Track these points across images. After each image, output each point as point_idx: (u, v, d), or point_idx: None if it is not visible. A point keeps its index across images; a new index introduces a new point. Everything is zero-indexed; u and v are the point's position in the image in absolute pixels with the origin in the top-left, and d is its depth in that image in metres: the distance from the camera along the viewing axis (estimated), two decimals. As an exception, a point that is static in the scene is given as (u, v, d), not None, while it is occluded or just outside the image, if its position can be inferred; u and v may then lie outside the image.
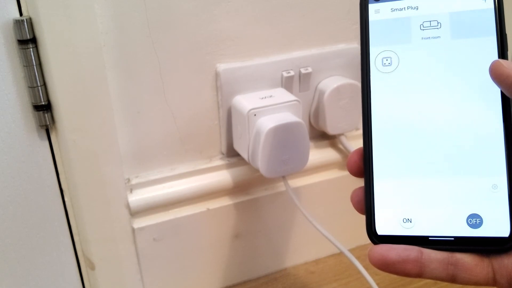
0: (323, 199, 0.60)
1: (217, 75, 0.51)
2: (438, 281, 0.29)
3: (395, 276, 0.32)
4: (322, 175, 0.60)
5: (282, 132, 0.48)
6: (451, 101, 0.30)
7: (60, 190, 0.49)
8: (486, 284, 0.28)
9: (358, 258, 0.51)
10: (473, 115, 0.29)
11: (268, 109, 0.49)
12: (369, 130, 0.31)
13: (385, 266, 0.28)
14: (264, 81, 0.53)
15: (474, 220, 0.29)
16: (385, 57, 0.31)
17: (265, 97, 0.51)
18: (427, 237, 0.29)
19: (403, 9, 0.31)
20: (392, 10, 0.32)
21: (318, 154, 0.59)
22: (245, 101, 0.50)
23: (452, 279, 0.28)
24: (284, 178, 0.52)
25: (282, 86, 0.54)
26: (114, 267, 0.52)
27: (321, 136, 0.60)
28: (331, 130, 0.56)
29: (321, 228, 0.52)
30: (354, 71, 0.56)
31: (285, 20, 0.52)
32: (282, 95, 0.51)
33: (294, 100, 0.50)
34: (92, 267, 0.52)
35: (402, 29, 0.31)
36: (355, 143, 0.59)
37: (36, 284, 0.51)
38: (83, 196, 0.48)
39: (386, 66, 0.31)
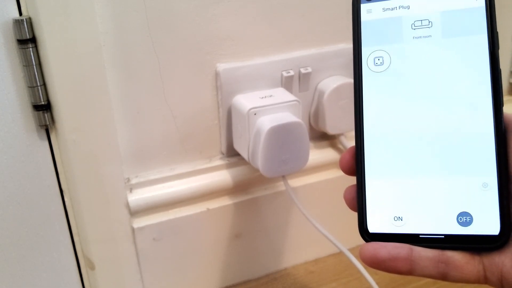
0: (323, 199, 0.60)
1: (217, 74, 0.51)
2: (438, 280, 0.29)
3: (395, 275, 0.32)
4: (322, 175, 0.60)
5: (282, 132, 0.48)
6: (442, 100, 0.30)
7: (60, 190, 0.49)
8: (477, 282, 0.28)
9: (357, 257, 0.51)
10: (464, 114, 0.30)
11: (268, 109, 0.49)
12: (361, 129, 0.31)
13: (376, 264, 0.29)
14: (264, 81, 0.53)
15: (465, 218, 0.29)
16: (377, 57, 0.32)
17: (265, 97, 0.51)
18: (418, 235, 0.29)
19: (395, 8, 0.32)
20: (384, 9, 0.32)
21: (318, 154, 0.59)
22: (245, 101, 0.50)
23: (443, 277, 0.29)
24: (284, 177, 0.52)
25: (282, 86, 0.54)
26: (114, 267, 0.52)
27: (321, 136, 0.60)
28: (330, 130, 0.56)
29: (320, 228, 0.52)
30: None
31: (285, 20, 0.52)
32: (282, 95, 0.51)
33: (294, 100, 0.50)
34: (92, 267, 0.52)
35: (393, 28, 0.31)
36: (355, 143, 0.59)
37: (36, 284, 0.51)
38: (83, 196, 0.48)
39: (378, 65, 0.32)
